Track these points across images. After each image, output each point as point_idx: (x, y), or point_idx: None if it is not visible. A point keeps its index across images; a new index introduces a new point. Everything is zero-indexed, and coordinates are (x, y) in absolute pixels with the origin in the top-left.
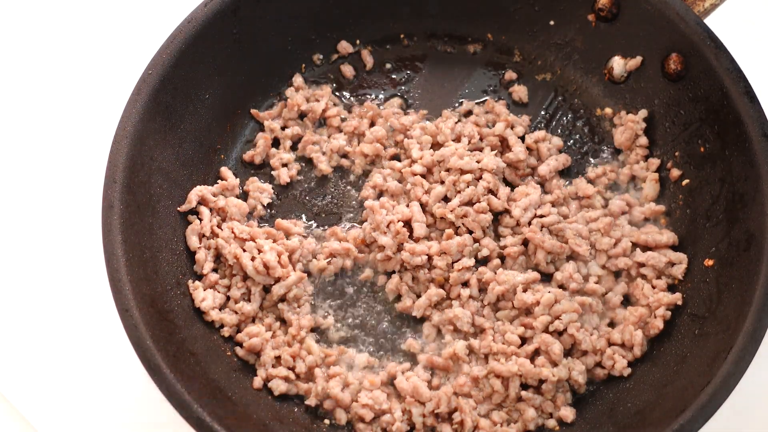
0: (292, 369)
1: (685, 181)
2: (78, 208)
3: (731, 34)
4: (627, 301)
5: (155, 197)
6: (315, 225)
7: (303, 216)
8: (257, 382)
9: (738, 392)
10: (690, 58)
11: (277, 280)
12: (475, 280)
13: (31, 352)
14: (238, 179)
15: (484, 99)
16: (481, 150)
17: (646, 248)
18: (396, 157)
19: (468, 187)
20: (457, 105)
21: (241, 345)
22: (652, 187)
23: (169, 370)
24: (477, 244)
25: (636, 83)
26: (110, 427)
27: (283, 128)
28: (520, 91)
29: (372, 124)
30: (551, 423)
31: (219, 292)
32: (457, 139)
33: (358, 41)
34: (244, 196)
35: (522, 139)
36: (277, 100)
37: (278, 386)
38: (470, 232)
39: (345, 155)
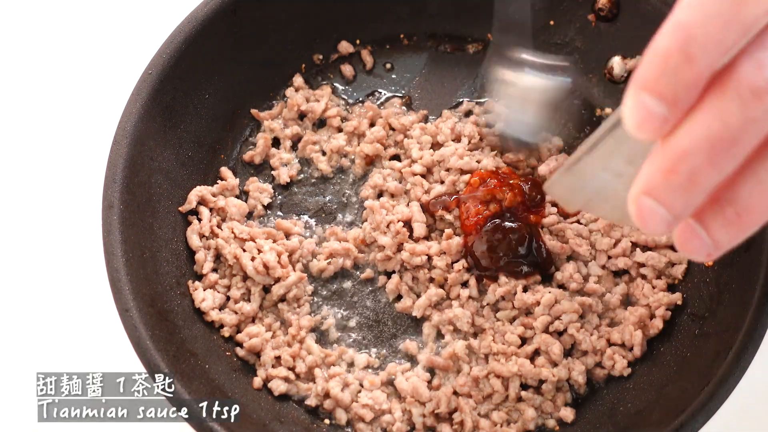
0: (292, 369)
1: None
2: (78, 208)
3: None
4: (627, 301)
5: (155, 197)
6: (315, 225)
7: (303, 216)
8: (257, 382)
9: (738, 392)
10: None
11: (277, 280)
12: (474, 280)
13: (30, 353)
14: (238, 179)
15: (484, 99)
16: (481, 150)
17: (646, 248)
18: (396, 157)
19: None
20: (457, 105)
21: (241, 345)
22: None
23: (169, 371)
24: None
25: None
26: (109, 427)
27: (283, 128)
28: None
29: (372, 124)
30: (551, 423)
31: (219, 292)
32: (457, 139)
33: (358, 41)
34: (244, 196)
35: None
36: (277, 100)
37: (278, 386)
38: None
39: (345, 155)
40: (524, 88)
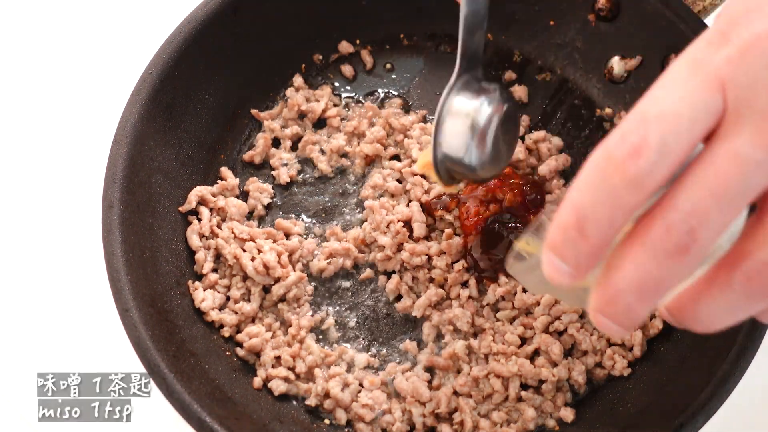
0: (292, 369)
1: None
2: (78, 208)
3: None
4: None
5: (155, 197)
6: (315, 225)
7: (303, 216)
8: (257, 382)
9: (738, 392)
10: None
11: (277, 280)
12: (474, 280)
13: (31, 353)
14: (238, 179)
15: None
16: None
17: None
18: (396, 157)
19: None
20: None
21: (241, 345)
22: None
23: (169, 371)
24: None
25: (636, 83)
26: (109, 427)
27: (283, 128)
28: (520, 91)
29: (372, 124)
30: (551, 423)
31: (219, 292)
32: None
33: (358, 41)
34: (244, 196)
35: (522, 139)
36: (277, 100)
37: (278, 386)
38: None
39: (345, 155)
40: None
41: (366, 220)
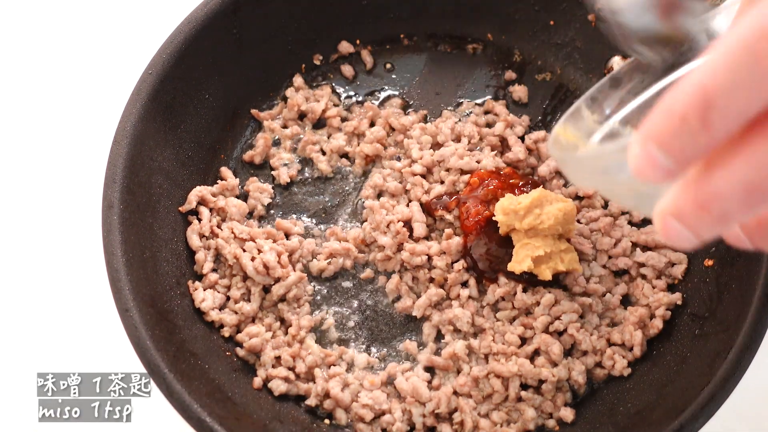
0: (292, 369)
1: None
2: (78, 208)
3: None
4: (627, 301)
5: (155, 197)
6: (315, 225)
7: (303, 216)
8: (257, 382)
9: (738, 392)
10: None
11: (277, 280)
12: (474, 280)
13: (31, 353)
14: (238, 179)
15: (484, 99)
16: (481, 150)
17: (646, 248)
18: (396, 157)
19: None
20: (457, 105)
21: (241, 345)
22: None
23: (169, 371)
24: None
25: None
26: (109, 427)
27: (283, 128)
28: (520, 91)
29: (372, 124)
30: (551, 423)
31: (219, 292)
32: (457, 139)
33: (358, 41)
34: (244, 196)
35: (522, 139)
36: (277, 100)
37: (278, 386)
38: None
39: (345, 155)
40: None
41: (366, 220)
